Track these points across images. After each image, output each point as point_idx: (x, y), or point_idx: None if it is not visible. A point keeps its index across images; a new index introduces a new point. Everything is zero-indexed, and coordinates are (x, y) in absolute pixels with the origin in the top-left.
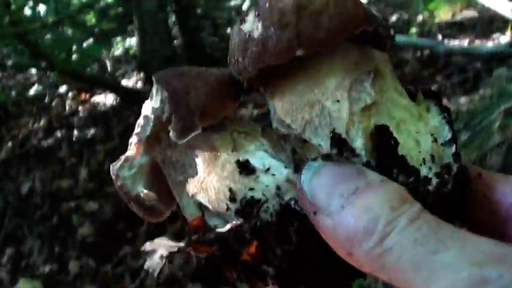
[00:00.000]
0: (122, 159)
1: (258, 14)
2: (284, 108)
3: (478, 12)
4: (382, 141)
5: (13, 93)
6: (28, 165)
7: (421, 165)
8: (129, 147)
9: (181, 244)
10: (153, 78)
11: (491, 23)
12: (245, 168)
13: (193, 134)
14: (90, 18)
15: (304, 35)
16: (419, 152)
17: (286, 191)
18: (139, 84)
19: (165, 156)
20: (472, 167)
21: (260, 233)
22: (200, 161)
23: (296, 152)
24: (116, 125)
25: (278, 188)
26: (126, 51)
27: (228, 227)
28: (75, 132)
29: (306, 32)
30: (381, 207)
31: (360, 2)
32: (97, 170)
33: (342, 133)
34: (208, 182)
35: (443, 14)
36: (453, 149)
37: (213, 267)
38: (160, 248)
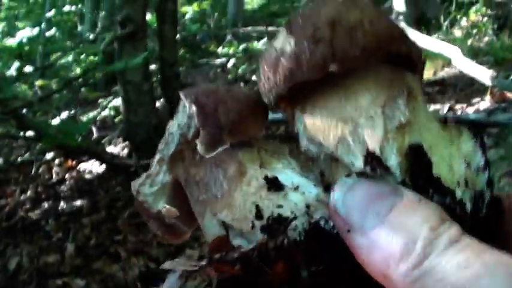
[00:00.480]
0: (144, 176)
1: (291, 31)
2: (315, 125)
3: (459, 71)
4: (417, 160)
5: (0, 160)
6: (15, 240)
7: (455, 187)
8: (151, 164)
9: (203, 263)
10: (181, 94)
11: (472, 84)
12: (273, 185)
13: (220, 149)
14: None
15: (338, 50)
16: (453, 175)
17: (316, 210)
18: (125, 151)
19: (188, 175)
20: (505, 197)
21: (287, 251)
22: (225, 177)
23: (324, 175)
24: (103, 196)
25: (307, 206)
26: (113, 116)
27: (253, 245)
28: (62, 203)
29: (341, 47)
30: (420, 227)
31: (395, 22)
32: (84, 244)
33: (376, 151)
34: (233, 198)
35: (425, 71)
36: (486, 176)
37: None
38: (180, 267)
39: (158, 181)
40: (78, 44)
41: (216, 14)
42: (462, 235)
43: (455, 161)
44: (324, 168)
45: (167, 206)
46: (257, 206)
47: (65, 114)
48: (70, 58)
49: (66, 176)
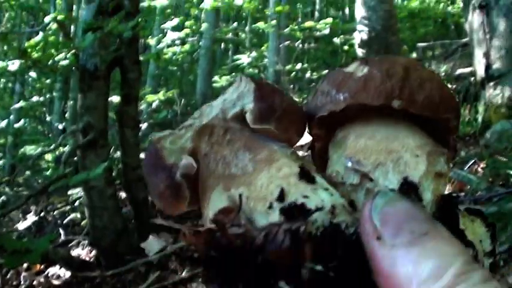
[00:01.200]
0: (167, 132)
1: (366, 62)
2: (358, 147)
3: None
4: (447, 209)
5: None
6: None
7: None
8: (179, 126)
9: (201, 228)
10: (241, 75)
11: None
12: (306, 175)
13: (267, 126)
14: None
15: (406, 90)
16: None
17: (340, 213)
18: (93, 253)
19: (210, 151)
20: None
21: (298, 241)
22: (253, 160)
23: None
24: None
25: (333, 207)
26: (80, 219)
27: (264, 224)
28: None
29: (409, 88)
30: (453, 257)
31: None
32: None
33: (415, 181)
34: (256, 177)
35: None
36: (491, 260)
37: (224, 262)
38: (175, 226)
39: (179, 143)
40: (48, 134)
41: (182, 100)
42: (493, 279)
43: (470, 232)
44: (345, 195)
45: (190, 158)
46: (282, 189)
47: (31, 219)
48: (40, 149)
49: (34, 282)
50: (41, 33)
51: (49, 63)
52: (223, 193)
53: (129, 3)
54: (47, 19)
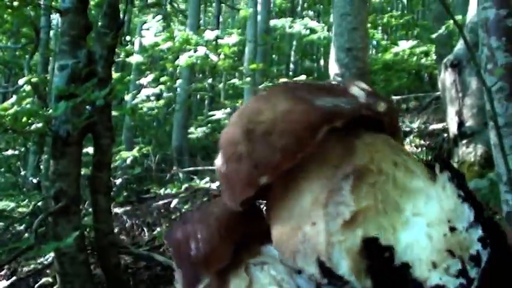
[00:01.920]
0: None
1: (220, 147)
2: (275, 236)
3: None
4: (375, 257)
5: None
6: None
7: (430, 270)
8: None
9: None
10: (164, 234)
11: None
12: None
13: (202, 286)
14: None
15: (261, 162)
16: (430, 251)
17: None
18: None
19: None
20: None
21: None
22: None
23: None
24: None
25: None
26: (51, 283)
27: None
28: None
29: (262, 158)
30: None
31: (313, 103)
32: None
33: (325, 260)
34: None
35: None
36: (479, 231)
37: None
38: None
39: None
40: (22, 188)
41: (157, 155)
42: None
43: (434, 229)
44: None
45: None
46: None
47: (3, 284)
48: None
49: None
50: (14, 96)
51: (21, 127)
52: None
53: (102, 70)
54: (21, 81)
